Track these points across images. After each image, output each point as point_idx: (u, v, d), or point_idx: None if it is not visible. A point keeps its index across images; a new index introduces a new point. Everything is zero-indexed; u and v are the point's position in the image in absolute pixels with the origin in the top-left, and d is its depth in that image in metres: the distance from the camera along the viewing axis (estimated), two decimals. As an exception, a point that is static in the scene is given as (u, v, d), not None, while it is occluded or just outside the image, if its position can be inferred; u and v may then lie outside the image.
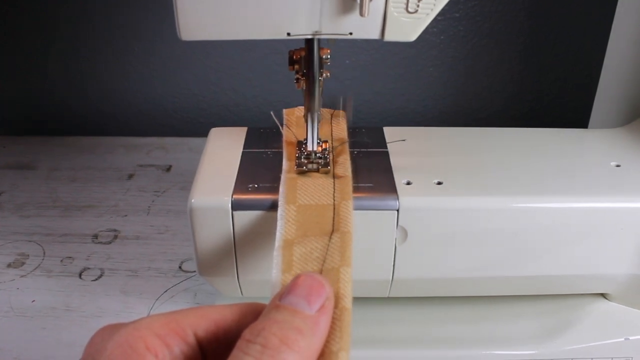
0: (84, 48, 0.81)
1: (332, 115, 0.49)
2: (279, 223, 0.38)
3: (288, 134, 0.47)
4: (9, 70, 0.83)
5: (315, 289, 0.27)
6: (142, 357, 0.24)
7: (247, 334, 0.25)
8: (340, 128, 0.48)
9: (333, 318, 0.29)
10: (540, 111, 0.85)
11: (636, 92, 0.56)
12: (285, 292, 0.27)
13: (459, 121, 0.85)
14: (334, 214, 0.39)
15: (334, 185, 0.41)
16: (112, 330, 0.26)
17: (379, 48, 0.79)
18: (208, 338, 0.27)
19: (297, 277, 0.28)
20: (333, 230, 0.37)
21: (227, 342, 0.27)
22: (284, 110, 0.49)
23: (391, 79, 0.82)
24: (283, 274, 0.34)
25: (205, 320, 0.27)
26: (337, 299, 0.31)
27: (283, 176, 0.42)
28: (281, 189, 0.41)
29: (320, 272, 0.33)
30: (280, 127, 0.47)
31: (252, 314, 0.28)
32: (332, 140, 0.47)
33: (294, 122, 0.48)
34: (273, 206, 0.40)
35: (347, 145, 0.46)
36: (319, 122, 0.44)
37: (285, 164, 0.44)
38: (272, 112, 0.46)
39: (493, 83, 0.82)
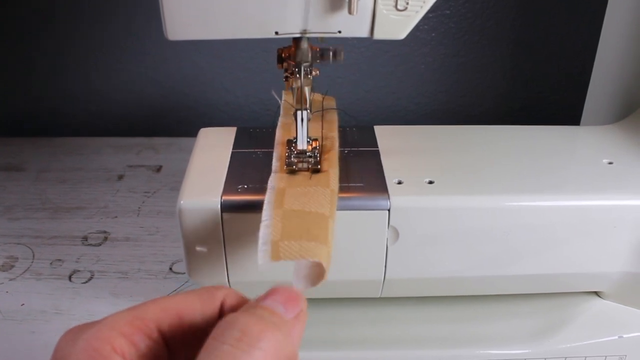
0: (72, 47, 0.80)
1: (323, 98, 0.49)
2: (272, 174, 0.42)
3: (286, 103, 0.46)
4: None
5: (292, 298, 0.28)
6: (108, 359, 0.24)
7: (222, 324, 0.25)
8: (330, 103, 0.49)
9: (324, 193, 0.38)
10: (532, 108, 0.85)
11: (628, 88, 0.56)
12: (262, 297, 0.28)
13: (451, 119, 0.85)
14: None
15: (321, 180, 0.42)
16: (77, 333, 0.26)
17: (370, 46, 0.79)
18: (172, 331, 0.27)
19: (274, 288, 0.28)
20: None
21: (190, 330, 0.28)
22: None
23: (382, 77, 0.82)
24: (278, 161, 0.42)
25: (168, 313, 0.27)
26: (327, 184, 0.40)
27: (272, 176, 0.42)
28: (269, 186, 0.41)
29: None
30: (279, 100, 0.47)
31: (211, 299, 0.29)
32: (322, 120, 0.48)
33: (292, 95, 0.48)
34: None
35: (336, 135, 0.46)
36: (309, 120, 0.43)
37: (274, 164, 0.43)
38: (273, 91, 0.46)
39: (485, 80, 0.82)
